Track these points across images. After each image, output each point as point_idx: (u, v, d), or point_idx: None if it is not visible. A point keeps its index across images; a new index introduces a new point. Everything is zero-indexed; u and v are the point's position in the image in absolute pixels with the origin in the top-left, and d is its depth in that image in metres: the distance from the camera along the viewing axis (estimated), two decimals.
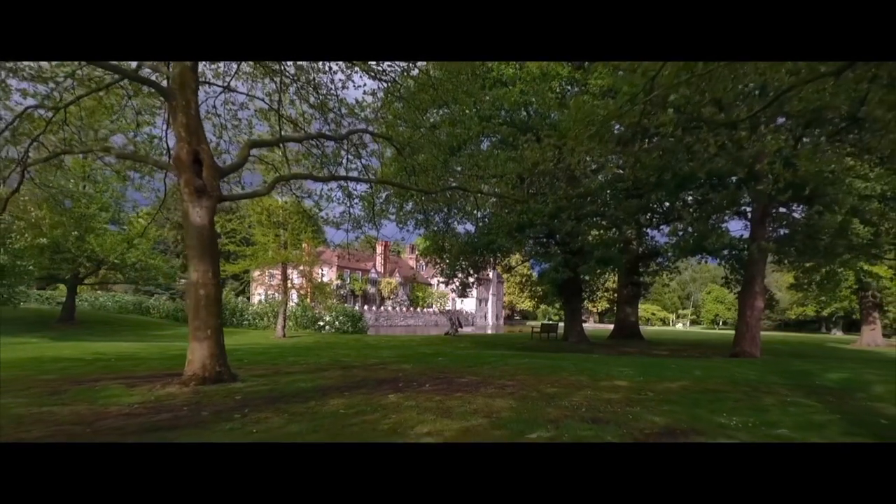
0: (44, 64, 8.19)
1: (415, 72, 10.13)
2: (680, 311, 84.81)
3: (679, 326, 74.32)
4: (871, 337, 26.80)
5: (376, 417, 4.62)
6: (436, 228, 19.13)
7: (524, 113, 17.71)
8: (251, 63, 9.80)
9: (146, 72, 8.67)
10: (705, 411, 5.03)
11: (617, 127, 9.03)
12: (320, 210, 11.58)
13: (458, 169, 14.99)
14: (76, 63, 8.32)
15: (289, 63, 9.54)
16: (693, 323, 79.98)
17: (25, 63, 8.19)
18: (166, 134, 9.72)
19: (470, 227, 18.73)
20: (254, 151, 10.69)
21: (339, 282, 50.55)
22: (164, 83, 8.60)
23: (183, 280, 37.38)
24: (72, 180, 11.04)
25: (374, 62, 9.78)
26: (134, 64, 7.94)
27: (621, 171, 15.04)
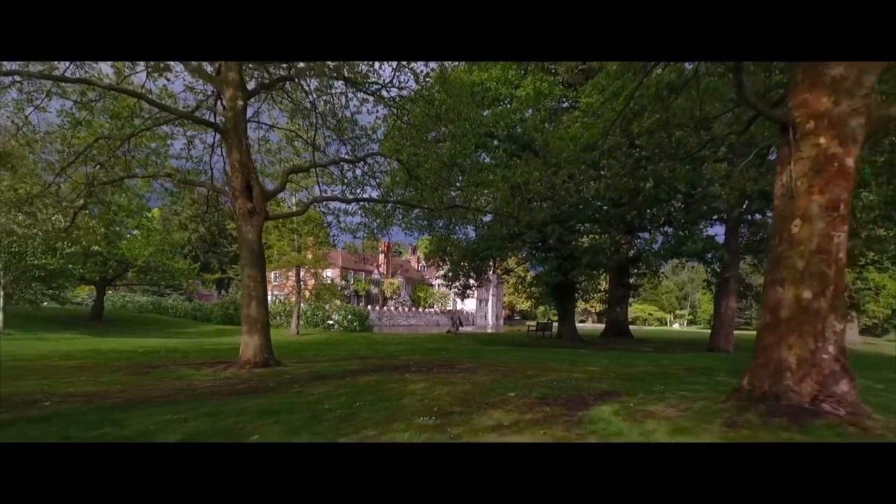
0: (117, 104, 9.89)
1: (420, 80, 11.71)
2: (677, 312, 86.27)
3: (676, 326, 75.82)
4: (849, 336, 28.42)
5: (399, 385, 6.33)
6: (439, 234, 20.87)
7: (519, 129, 19.38)
8: (276, 92, 11.49)
9: (194, 106, 10.39)
10: (645, 384, 6.69)
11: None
12: (339, 222, 13.27)
13: (460, 178, 16.65)
14: (137, 101, 9.99)
15: (310, 91, 11.21)
16: (690, 323, 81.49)
17: (100, 103, 9.91)
18: (211, 159, 11.45)
19: (470, 230, 20.48)
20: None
21: (343, 282, 52.29)
22: (207, 116, 10.33)
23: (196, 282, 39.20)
24: (123, 195, 12.71)
25: (383, 89, 11.42)
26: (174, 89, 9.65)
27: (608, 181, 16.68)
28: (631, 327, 29.86)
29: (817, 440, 3.39)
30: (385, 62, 10.82)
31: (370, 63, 10.46)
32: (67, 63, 9.23)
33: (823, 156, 4.03)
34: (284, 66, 10.00)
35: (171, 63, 9.16)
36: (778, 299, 4.22)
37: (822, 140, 4.03)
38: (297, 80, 10.60)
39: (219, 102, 10.09)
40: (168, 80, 9.29)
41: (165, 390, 6.00)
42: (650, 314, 77.71)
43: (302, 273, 25.38)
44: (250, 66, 9.53)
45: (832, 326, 3.99)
